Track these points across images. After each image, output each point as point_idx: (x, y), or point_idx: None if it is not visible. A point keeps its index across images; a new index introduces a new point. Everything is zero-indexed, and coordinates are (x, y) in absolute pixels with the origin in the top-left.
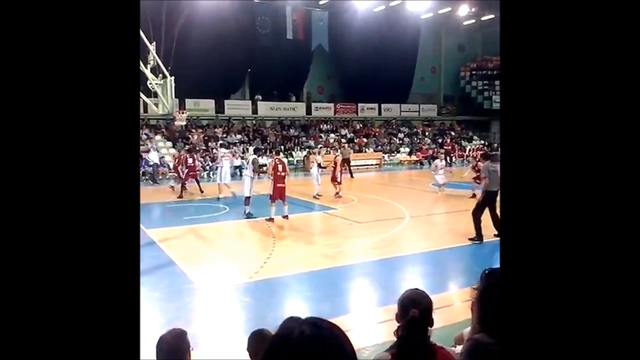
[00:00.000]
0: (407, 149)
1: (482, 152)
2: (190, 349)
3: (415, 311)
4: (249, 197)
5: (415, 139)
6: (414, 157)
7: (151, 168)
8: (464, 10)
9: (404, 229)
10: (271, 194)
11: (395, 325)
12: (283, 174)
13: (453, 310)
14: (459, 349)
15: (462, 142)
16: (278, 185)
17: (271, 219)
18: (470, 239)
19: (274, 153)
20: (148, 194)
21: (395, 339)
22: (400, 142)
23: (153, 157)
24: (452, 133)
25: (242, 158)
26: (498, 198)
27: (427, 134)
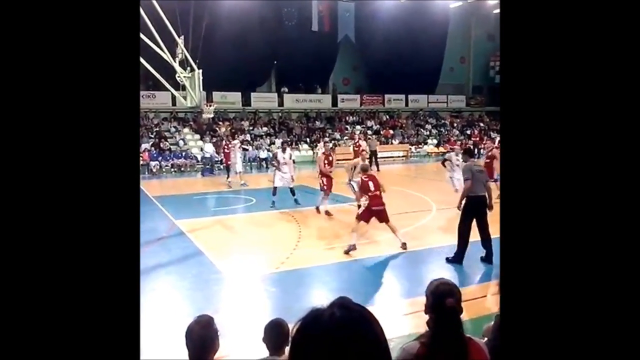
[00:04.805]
0: (435, 141)
1: (464, 147)
2: (218, 334)
3: (451, 300)
4: (277, 188)
5: (443, 130)
6: (441, 149)
7: (206, 160)
8: None
9: (431, 221)
10: (325, 186)
11: (422, 316)
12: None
13: (480, 303)
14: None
15: (492, 133)
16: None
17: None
18: (447, 259)
19: (322, 144)
20: (191, 184)
21: (423, 330)
22: (428, 133)
23: (208, 149)
24: (481, 124)
25: (269, 150)
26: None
27: (455, 125)
